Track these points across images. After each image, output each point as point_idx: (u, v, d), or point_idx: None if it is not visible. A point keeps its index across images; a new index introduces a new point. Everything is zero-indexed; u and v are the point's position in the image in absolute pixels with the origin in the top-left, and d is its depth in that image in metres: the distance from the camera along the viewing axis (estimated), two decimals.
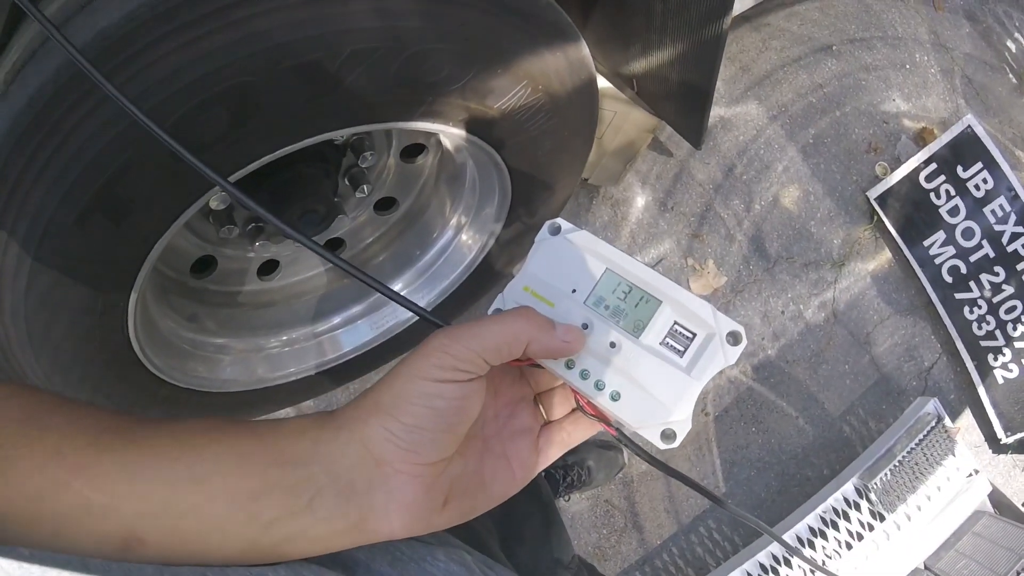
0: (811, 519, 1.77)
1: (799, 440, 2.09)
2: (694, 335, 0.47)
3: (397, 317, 1.51)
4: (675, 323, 0.48)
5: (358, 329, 1.51)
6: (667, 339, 0.48)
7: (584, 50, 1.05)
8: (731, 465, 2.05)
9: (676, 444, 0.46)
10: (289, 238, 0.50)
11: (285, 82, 0.77)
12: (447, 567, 0.47)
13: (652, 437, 0.47)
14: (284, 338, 1.43)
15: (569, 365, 0.49)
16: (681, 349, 0.47)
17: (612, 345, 0.48)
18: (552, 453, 0.50)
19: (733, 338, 0.46)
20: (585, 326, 0.49)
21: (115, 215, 0.81)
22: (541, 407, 0.52)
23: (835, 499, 1.78)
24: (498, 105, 0.98)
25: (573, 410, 0.52)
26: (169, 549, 0.37)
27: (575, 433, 0.51)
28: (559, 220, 0.52)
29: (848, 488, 1.79)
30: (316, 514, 0.39)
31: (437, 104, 0.92)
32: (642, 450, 0.50)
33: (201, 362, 1.28)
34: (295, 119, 0.85)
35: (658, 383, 0.47)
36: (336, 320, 1.49)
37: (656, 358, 0.47)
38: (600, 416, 0.49)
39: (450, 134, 1.02)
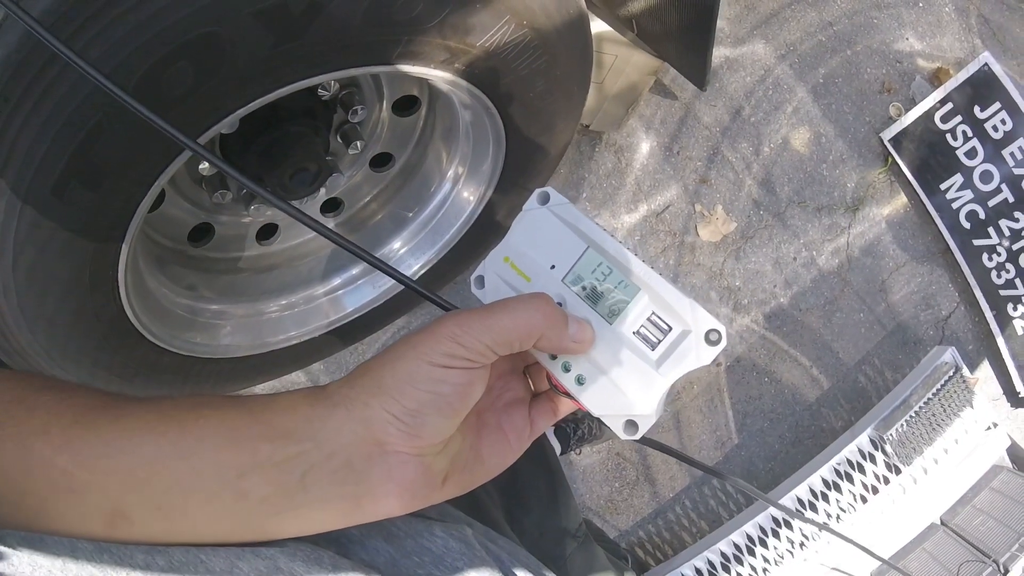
0: (825, 471, 1.75)
1: (813, 390, 2.07)
2: (670, 328, 0.45)
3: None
4: (652, 314, 0.46)
5: (360, 289, 1.49)
6: (641, 329, 0.46)
7: None
8: (744, 416, 2.03)
9: (637, 436, 0.46)
10: (252, 191, 0.47)
11: (248, 29, 0.74)
12: (445, 543, 0.47)
13: (615, 426, 0.46)
14: (284, 302, 1.42)
15: None
16: (654, 341, 0.45)
17: None
18: (542, 424, 0.50)
19: (712, 337, 0.44)
20: (559, 304, 0.48)
21: (91, 182, 0.78)
22: (529, 378, 0.52)
23: (850, 451, 1.76)
24: (481, 43, 0.94)
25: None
26: (155, 527, 0.37)
27: (562, 405, 0.50)
28: (549, 189, 0.50)
29: (863, 439, 1.76)
30: (309, 492, 0.39)
31: (415, 44, 0.88)
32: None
33: (201, 329, 1.26)
34: (265, 68, 0.81)
35: (624, 374, 0.46)
36: (337, 281, 1.47)
37: (626, 348, 0.46)
38: (570, 395, 0.48)
39: (435, 77, 0.97)
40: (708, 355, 0.44)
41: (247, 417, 0.39)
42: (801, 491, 1.74)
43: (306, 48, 0.80)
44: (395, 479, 0.40)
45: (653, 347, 0.45)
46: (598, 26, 1.52)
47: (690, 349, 0.44)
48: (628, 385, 0.45)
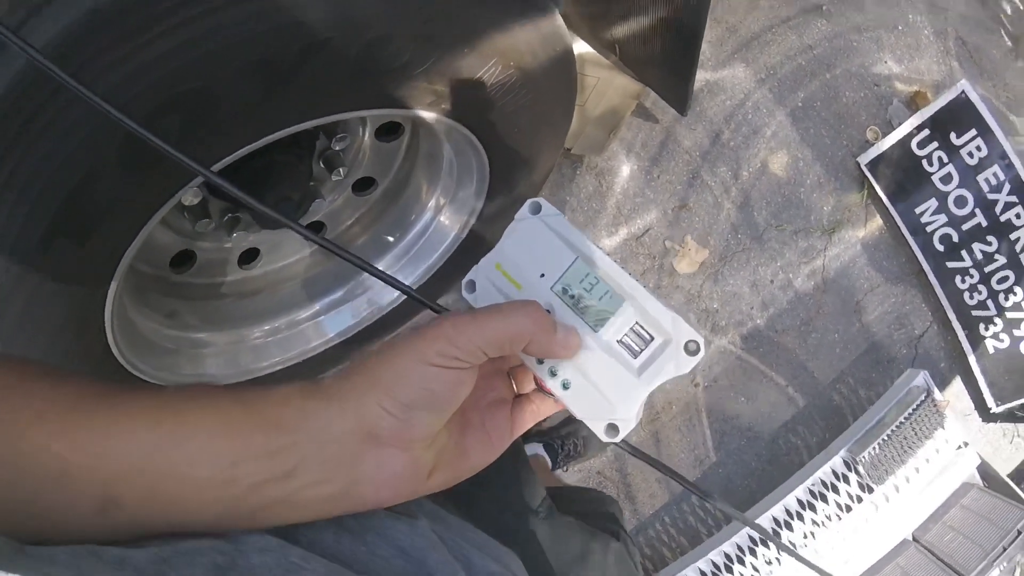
0: (800, 492, 1.78)
1: (789, 409, 2.10)
2: (652, 338, 0.48)
3: (381, 299, 1.49)
4: (636, 323, 0.48)
5: (341, 314, 1.49)
6: (625, 338, 0.48)
7: (558, 20, 1.00)
8: (721, 435, 2.05)
9: (618, 439, 0.48)
10: (278, 222, 0.49)
11: (237, 83, 0.74)
12: (393, 524, 0.48)
13: (596, 429, 0.48)
14: (268, 327, 1.42)
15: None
16: (637, 350, 0.48)
17: None
18: (524, 424, 0.53)
19: (691, 347, 0.47)
20: (548, 311, 0.50)
21: (84, 227, 0.78)
22: (512, 380, 0.54)
23: (823, 472, 1.79)
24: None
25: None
26: (146, 512, 0.38)
27: (543, 407, 0.53)
28: (540, 200, 0.52)
29: (837, 461, 1.80)
30: (300, 479, 0.40)
31: (402, 89, 0.89)
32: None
33: (186, 359, 1.26)
34: (253, 119, 0.81)
35: (607, 380, 0.48)
36: (318, 306, 1.48)
37: (610, 356, 0.48)
38: (556, 398, 0.50)
39: (421, 118, 0.98)
40: (687, 364, 0.47)
41: (242, 408, 0.40)
42: (777, 511, 1.77)
43: (294, 100, 0.81)
44: (385, 471, 0.42)
45: (635, 355, 0.48)
46: (581, 47, 1.53)
47: (670, 358, 0.47)
48: (611, 390, 0.48)
